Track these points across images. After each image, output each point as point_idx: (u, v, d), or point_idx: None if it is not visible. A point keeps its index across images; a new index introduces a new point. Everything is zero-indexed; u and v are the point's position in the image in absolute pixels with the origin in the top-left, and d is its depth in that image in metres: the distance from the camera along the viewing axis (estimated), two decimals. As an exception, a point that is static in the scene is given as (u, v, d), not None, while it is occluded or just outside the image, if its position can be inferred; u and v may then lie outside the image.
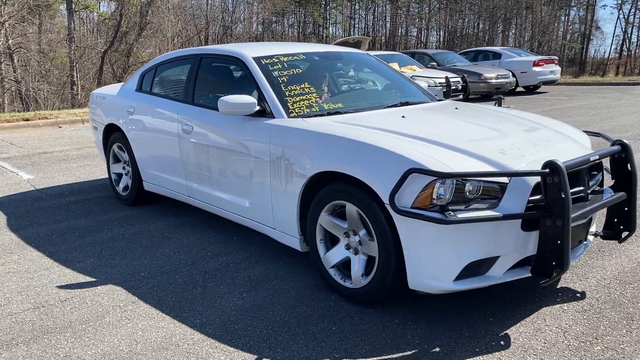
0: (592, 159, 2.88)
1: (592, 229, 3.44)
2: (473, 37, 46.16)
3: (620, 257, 3.77)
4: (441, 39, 48.96)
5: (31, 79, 28.34)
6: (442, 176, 2.62)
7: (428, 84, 12.62)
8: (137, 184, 5.08)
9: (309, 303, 3.22)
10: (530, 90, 17.43)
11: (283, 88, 3.71)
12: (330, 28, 49.73)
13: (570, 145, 3.23)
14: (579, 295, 3.23)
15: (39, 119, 11.75)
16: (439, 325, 2.93)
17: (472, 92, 14.56)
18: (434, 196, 2.67)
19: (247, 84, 3.88)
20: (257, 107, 3.60)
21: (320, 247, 3.33)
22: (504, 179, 2.75)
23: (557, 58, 17.54)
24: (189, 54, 4.55)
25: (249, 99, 3.56)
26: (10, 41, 26.54)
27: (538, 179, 2.74)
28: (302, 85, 3.75)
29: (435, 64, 15.45)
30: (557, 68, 16.94)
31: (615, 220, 3.24)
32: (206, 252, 4.07)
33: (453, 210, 2.67)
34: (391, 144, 2.92)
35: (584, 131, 3.80)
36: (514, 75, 15.75)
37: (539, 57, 16.81)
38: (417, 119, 3.49)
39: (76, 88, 27.92)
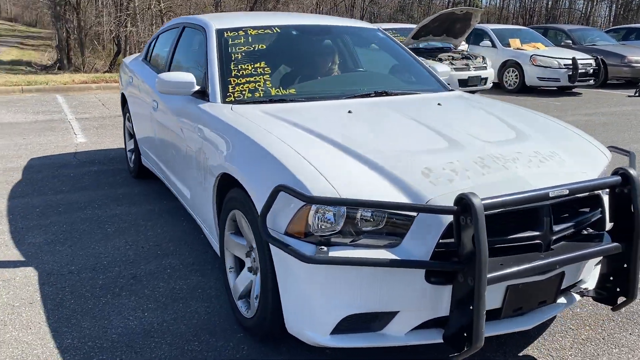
0: (553, 194, 2.00)
1: (590, 283, 2.50)
2: (651, 12, 40.29)
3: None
4: (613, 13, 43.50)
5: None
6: (307, 200, 1.95)
7: (551, 65, 11.06)
8: (138, 156, 4.78)
9: (206, 339, 2.59)
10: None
11: (232, 67, 3.09)
12: (483, -2, 46.34)
13: (549, 170, 2.29)
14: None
15: (144, 80, 12.11)
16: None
17: (611, 76, 12.45)
18: (310, 222, 2.04)
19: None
20: (197, 87, 3.06)
21: (231, 277, 2.75)
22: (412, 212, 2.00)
23: None
24: (177, 22, 4.11)
25: (186, 78, 3.03)
26: (162, 4, 28.26)
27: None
28: (257, 65, 3.10)
29: (570, 42, 13.42)
30: None
31: (611, 278, 2.31)
32: (158, 249, 3.58)
33: (336, 244, 2.01)
34: (282, 148, 2.31)
35: (611, 147, 2.86)
36: (673, 59, 13.18)
37: None
38: (361, 117, 2.76)
39: (218, 52, 29.02)
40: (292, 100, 3.00)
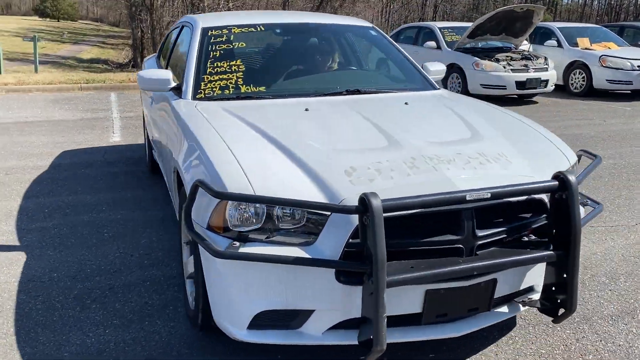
0: (471, 197, 1.92)
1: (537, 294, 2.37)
2: None
3: None
4: None
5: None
6: (216, 196, 2.01)
7: (622, 67, 10.20)
8: (150, 150, 4.82)
9: (158, 362, 2.40)
10: None
11: (209, 64, 3.11)
12: (563, -6, 44.12)
13: (487, 172, 2.20)
14: None
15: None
16: None
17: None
18: (227, 217, 2.07)
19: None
20: (173, 84, 3.08)
21: (191, 300, 2.61)
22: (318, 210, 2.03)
23: None
24: (180, 21, 4.06)
25: (163, 75, 3.06)
26: (230, 4, 28.79)
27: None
28: (232, 62, 3.10)
29: (647, 41, 12.38)
30: None
31: (554, 289, 2.20)
32: (145, 259, 3.43)
33: (252, 240, 2.04)
34: (216, 144, 2.35)
35: (581, 151, 2.88)
36: None
37: None
38: (315, 115, 2.78)
39: (284, 51, 29.33)
40: (258, 98, 3.01)
